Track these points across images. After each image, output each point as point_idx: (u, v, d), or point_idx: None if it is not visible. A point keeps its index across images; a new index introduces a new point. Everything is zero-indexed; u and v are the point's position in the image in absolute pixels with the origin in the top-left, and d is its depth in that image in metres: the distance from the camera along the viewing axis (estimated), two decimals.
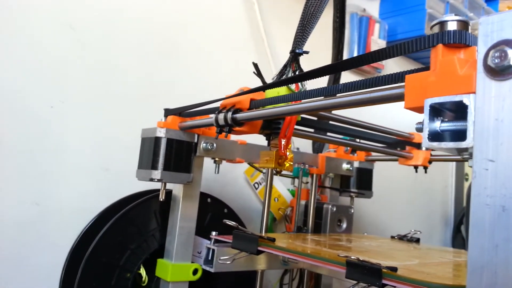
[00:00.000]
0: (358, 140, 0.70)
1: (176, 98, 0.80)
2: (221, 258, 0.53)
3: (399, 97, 0.33)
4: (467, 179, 1.47)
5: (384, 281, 0.37)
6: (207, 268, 0.57)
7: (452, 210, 1.41)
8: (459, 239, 1.32)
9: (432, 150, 0.74)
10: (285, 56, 0.95)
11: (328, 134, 0.64)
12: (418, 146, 0.74)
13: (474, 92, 0.26)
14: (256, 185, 0.93)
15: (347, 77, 1.11)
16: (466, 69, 0.27)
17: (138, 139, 0.64)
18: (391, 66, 1.19)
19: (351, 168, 0.81)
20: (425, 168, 0.76)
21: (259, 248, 0.50)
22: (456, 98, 0.27)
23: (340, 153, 0.81)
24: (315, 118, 0.63)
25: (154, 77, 0.79)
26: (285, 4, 1.01)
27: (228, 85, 0.88)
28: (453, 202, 1.41)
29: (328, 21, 0.75)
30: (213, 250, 0.57)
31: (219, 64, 0.89)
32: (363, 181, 0.84)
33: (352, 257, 0.38)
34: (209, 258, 0.58)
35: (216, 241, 0.58)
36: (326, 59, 0.94)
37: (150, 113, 0.77)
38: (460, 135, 0.28)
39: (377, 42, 1.10)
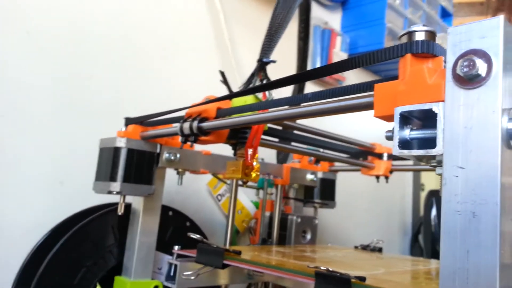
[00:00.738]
0: (321, 150, 0.70)
1: (138, 107, 0.78)
2: (185, 273, 0.51)
3: (368, 106, 0.33)
4: (423, 189, 1.52)
5: None
6: (169, 285, 0.55)
7: (410, 219, 1.46)
8: (416, 248, 1.36)
9: (393, 159, 0.76)
10: (249, 65, 0.95)
11: (294, 144, 0.64)
12: (379, 156, 0.76)
13: (443, 101, 0.27)
14: (219, 197, 0.91)
15: (309, 88, 1.12)
16: (435, 78, 0.28)
17: (95, 150, 0.60)
18: (352, 78, 1.22)
19: (315, 179, 0.81)
20: (386, 178, 0.77)
21: (225, 262, 0.49)
22: (426, 106, 0.27)
23: (304, 164, 0.81)
24: (280, 128, 0.62)
25: (115, 86, 0.76)
26: (250, 13, 1.01)
27: (191, 94, 0.87)
28: (411, 212, 1.46)
29: (291, 31, 0.76)
30: (176, 265, 0.55)
31: (183, 72, 0.87)
32: (327, 191, 0.84)
33: (322, 268, 0.37)
34: (171, 274, 0.56)
35: (178, 255, 0.56)
36: (289, 69, 0.95)
37: (108, 124, 0.73)
38: (429, 142, 0.28)
39: (338, 55, 1.13)
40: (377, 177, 0.78)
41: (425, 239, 1.22)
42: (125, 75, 0.78)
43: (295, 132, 0.63)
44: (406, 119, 0.29)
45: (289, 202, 0.83)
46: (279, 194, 0.75)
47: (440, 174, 0.30)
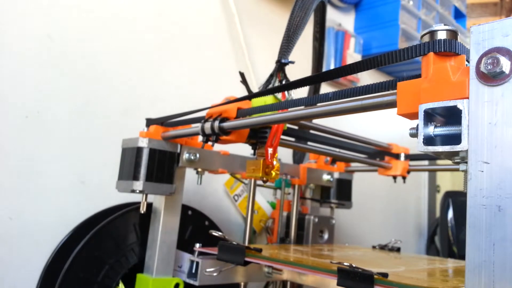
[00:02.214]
0: (337, 150, 0.71)
1: (154, 108, 0.79)
2: (207, 270, 0.52)
3: (390, 104, 0.34)
4: (438, 191, 1.51)
5: (376, 287, 0.37)
6: (191, 282, 0.56)
7: (425, 221, 1.45)
8: (433, 250, 1.35)
9: (410, 160, 0.76)
10: (264, 66, 0.96)
11: (314, 144, 0.64)
12: (396, 156, 0.76)
13: (467, 98, 0.27)
14: (236, 197, 0.92)
15: (323, 90, 1.13)
16: (458, 75, 0.28)
17: (116, 151, 0.62)
18: (366, 79, 1.23)
19: (331, 179, 0.82)
20: (404, 178, 0.77)
21: (247, 259, 0.49)
22: (450, 103, 0.28)
23: (320, 164, 0.82)
24: (296, 128, 0.63)
25: (132, 87, 0.78)
26: (264, 16, 1.02)
27: (207, 96, 0.88)
28: (427, 213, 1.45)
29: (306, 33, 0.77)
30: (197, 262, 0.56)
31: (199, 74, 0.88)
32: (343, 192, 0.84)
33: (345, 264, 0.38)
34: (193, 271, 0.57)
35: (200, 253, 0.57)
36: (305, 70, 0.96)
37: (128, 125, 0.75)
38: (453, 139, 0.28)
39: (352, 56, 1.13)
40: (394, 177, 0.78)
41: (441, 240, 1.21)
42: (142, 76, 0.79)
43: (315, 132, 0.64)
44: (429, 116, 0.30)
45: (306, 202, 0.83)
46: (297, 194, 0.75)
47: (464, 171, 0.30)
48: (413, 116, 0.32)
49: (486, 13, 2.16)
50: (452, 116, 0.29)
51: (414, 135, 0.30)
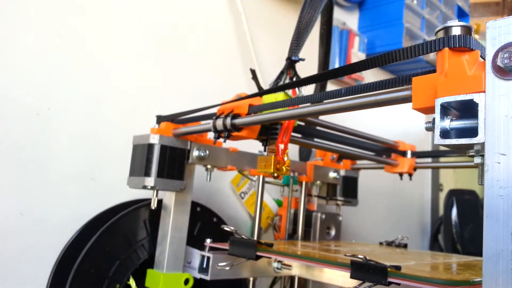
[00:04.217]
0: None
1: (162, 106, 0.80)
2: (220, 264, 0.52)
3: (406, 99, 0.34)
4: (441, 190, 1.52)
5: (390, 280, 0.38)
6: (202, 276, 0.57)
7: (429, 219, 1.45)
8: (436, 248, 1.36)
9: (417, 157, 0.77)
10: (270, 64, 0.97)
11: (322, 141, 0.65)
12: (403, 154, 0.76)
13: (484, 91, 0.28)
14: (242, 194, 0.92)
15: (329, 88, 1.13)
16: (474, 70, 0.29)
17: (125, 148, 0.62)
18: (370, 78, 1.23)
19: (337, 177, 0.82)
20: (410, 175, 0.78)
21: (258, 253, 0.50)
22: (467, 97, 0.28)
23: (327, 162, 0.83)
24: (303, 124, 0.63)
25: (141, 85, 0.78)
26: (270, 16, 1.03)
27: (214, 94, 0.89)
28: (430, 212, 1.45)
29: (313, 31, 0.77)
30: (209, 257, 0.56)
31: (207, 72, 0.89)
32: (349, 189, 0.85)
33: (359, 256, 0.39)
34: (204, 266, 0.57)
35: (210, 248, 0.58)
36: (311, 69, 0.96)
37: (137, 122, 0.76)
38: (469, 132, 0.29)
39: (357, 55, 1.14)
40: (401, 174, 0.79)
41: (445, 238, 1.22)
42: (151, 74, 0.80)
43: (321, 129, 0.65)
44: (445, 110, 0.30)
45: (312, 200, 0.84)
46: (304, 191, 0.76)
47: (478, 164, 0.31)
48: (427, 110, 0.32)
49: (488, 12, 2.17)
50: (468, 109, 0.29)
51: (430, 128, 0.30)
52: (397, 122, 1.37)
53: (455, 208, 1.18)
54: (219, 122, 0.51)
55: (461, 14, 1.59)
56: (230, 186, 0.91)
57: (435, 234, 1.36)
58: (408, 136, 1.36)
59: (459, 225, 1.16)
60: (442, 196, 1.49)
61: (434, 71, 0.33)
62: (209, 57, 0.90)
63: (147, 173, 0.58)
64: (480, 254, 0.27)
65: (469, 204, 1.18)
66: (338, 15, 1.21)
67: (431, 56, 1.26)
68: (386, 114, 1.33)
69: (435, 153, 0.86)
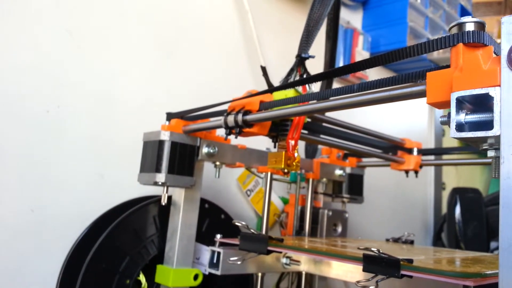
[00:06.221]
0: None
1: (170, 103, 0.80)
2: (231, 259, 0.53)
3: (419, 94, 0.35)
4: (444, 188, 1.52)
5: (403, 272, 0.38)
6: (213, 271, 0.57)
7: (431, 218, 1.46)
8: (439, 246, 1.36)
9: (423, 154, 0.77)
10: (276, 63, 0.97)
11: (330, 138, 0.66)
12: (409, 151, 0.77)
13: (499, 85, 0.28)
14: (249, 192, 0.93)
15: (334, 87, 1.14)
16: (489, 64, 0.30)
17: (133, 145, 0.63)
18: (374, 77, 1.24)
19: (343, 174, 0.83)
20: (416, 172, 0.79)
21: (269, 248, 0.51)
22: (483, 91, 0.29)
23: (333, 159, 0.83)
24: (309, 120, 0.64)
25: (149, 83, 0.79)
26: (277, 14, 1.03)
27: (221, 92, 0.89)
28: (433, 210, 1.46)
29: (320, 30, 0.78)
30: (219, 252, 0.57)
31: (214, 70, 0.90)
32: (355, 186, 0.86)
33: (373, 249, 0.39)
34: (214, 262, 0.58)
35: (220, 244, 0.58)
36: (318, 66, 0.97)
37: (146, 119, 0.77)
38: (483, 125, 0.29)
39: (361, 54, 1.15)
40: (407, 172, 0.79)
41: (448, 236, 1.23)
42: (158, 72, 0.80)
43: (336, 128, 0.65)
44: (460, 104, 0.31)
45: (318, 197, 0.85)
46: (311, 188, 0.77)
47: (492, 157, 0.31)
48: (441, 105, 0.33)
49: (490, 11, 2.18)
50: (482, 103, 0.30)
51: (445, 122, 0.31)
52: (400, 121, 1.38)
53: (459, 206, 1.18)
54: (231, 119, 0.52)
55: (464, 13, 1.59)
56: (236, 183, 0.92)
57: (438, 232, 1.37)
58: (410, 134, 1.37)
59: (463, 223, 1.17)
60: (445, 195, 1.49)
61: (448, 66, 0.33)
62: (216, 55, 0.90)
63: (157, 169, 0.58)
64: (484, 252, 0.28)
65: (473, 202, 1.18)
66: (342, 14, 1.22)
67: (435, 55, 1.27)
68: (389, 113, 1.34)
69: (441, 151, 0.87)
